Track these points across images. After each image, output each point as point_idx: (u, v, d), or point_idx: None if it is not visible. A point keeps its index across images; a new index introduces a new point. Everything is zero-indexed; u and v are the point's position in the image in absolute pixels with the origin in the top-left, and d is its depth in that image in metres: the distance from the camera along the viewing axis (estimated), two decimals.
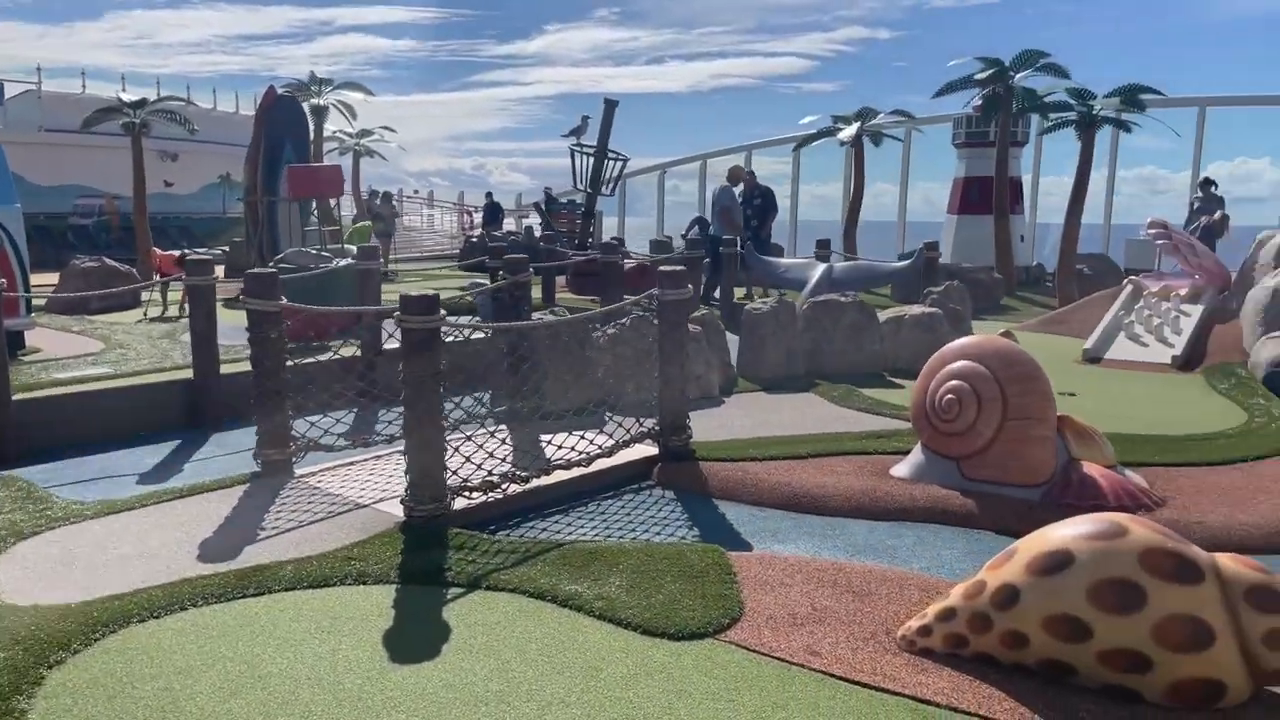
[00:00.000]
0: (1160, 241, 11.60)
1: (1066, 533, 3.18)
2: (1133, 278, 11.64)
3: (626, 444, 5.83)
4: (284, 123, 17.80)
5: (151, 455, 6.40)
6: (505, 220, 28.67)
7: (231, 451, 6.41)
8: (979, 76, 15.64)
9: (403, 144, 25.26)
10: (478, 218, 37.71)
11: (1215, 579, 2.99)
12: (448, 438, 4.78)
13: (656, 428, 5.94)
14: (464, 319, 8.26)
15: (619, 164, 18.41)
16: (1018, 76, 16.02)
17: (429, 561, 4.21)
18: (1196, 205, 17.57)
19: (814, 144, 20.33)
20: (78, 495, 5.39)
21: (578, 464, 5.50)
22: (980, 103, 17.79)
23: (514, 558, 4.23)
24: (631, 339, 7.14)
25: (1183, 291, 11.05)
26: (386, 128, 23.86)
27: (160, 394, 7.12)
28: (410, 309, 4.48)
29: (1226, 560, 3.07)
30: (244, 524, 4.78)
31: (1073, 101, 14.78)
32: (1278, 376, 8.72)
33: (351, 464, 5.82)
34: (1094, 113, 14.58)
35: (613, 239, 19.17)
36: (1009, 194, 17.70)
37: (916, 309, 9.30)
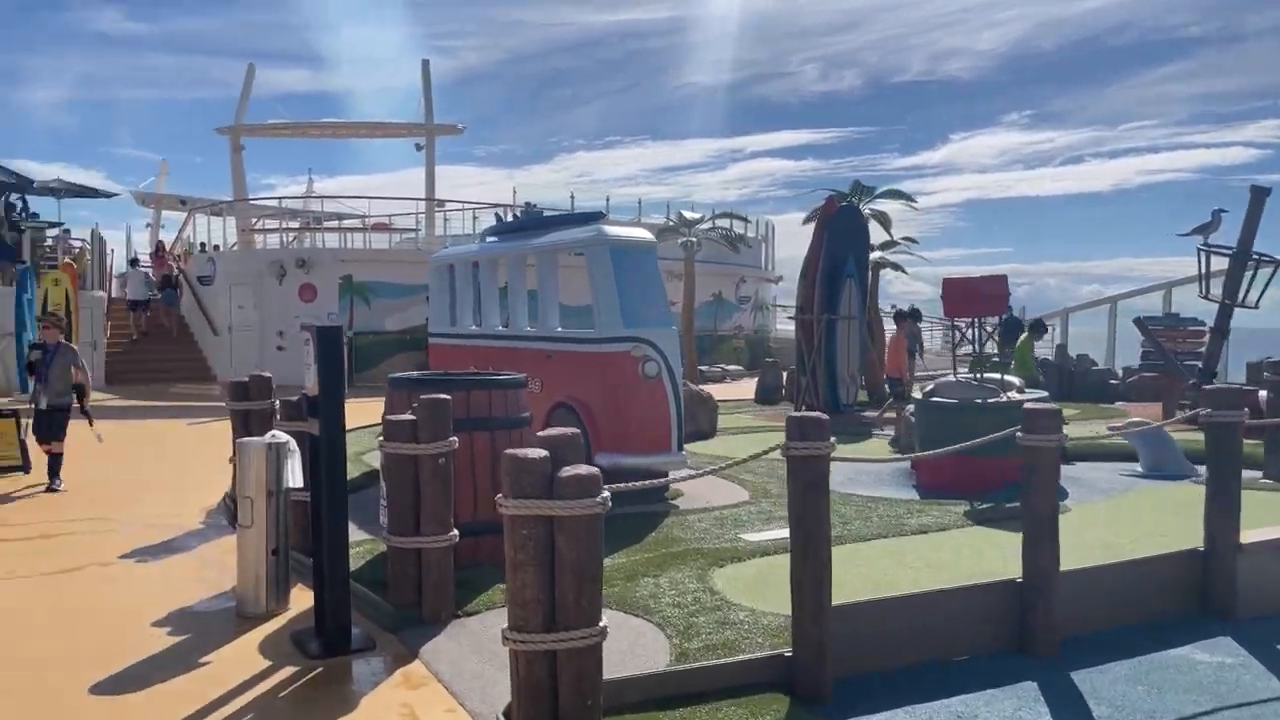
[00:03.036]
0: None
1: None
2: None
3: None
4: (846, 234, 15.98)
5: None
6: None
7: None
8: None
9: (925, 256, 22.90)
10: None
11: None
12: None
13: None
14: None
15: (1272, 269, 14.15)
16: None
17: None
18: None
19: None
20: None
21: None
22: None
23: None
24: None
25: None
26: (908, 238, 21.48)
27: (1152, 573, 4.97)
28: None
29: None
30: None
31: None
32: None
33: None
34: None
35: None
36: None
37: None
